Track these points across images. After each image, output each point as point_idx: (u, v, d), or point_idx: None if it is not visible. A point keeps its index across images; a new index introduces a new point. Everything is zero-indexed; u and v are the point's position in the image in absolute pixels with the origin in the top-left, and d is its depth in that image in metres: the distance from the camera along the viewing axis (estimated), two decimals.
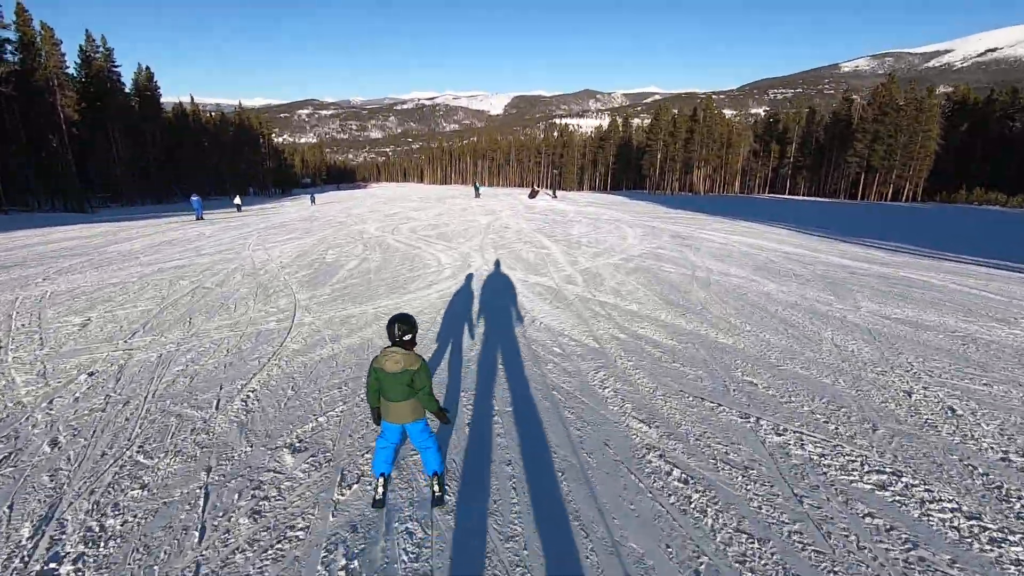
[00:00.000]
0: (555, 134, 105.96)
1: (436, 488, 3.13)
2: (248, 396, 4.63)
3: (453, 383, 4.99)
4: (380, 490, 3.11)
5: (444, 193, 59.27)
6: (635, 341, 6.25)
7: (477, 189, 51.94)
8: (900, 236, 17.93)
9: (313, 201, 42.53)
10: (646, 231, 18.33)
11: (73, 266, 11.65)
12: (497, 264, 11.61)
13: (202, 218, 25.58)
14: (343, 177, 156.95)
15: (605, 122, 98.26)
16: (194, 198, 26.37)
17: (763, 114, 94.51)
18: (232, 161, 59.74)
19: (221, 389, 4.78)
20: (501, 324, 6.99)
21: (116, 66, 41.60)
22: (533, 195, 44.32)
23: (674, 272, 10.74)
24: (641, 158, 79.25)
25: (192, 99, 60.31)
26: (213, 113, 64.56)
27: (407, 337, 3.03)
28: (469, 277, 10.20)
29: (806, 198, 58.66)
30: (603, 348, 5.99)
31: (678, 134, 72.85)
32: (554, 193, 49.77)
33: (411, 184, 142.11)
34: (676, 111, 78.86)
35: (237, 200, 34.76)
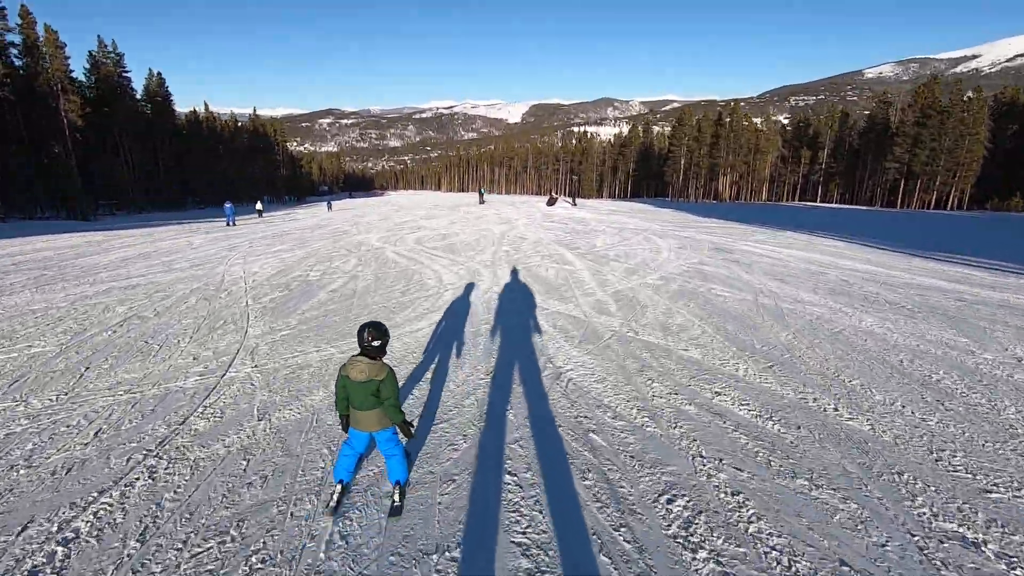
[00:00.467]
0: (574, 141, 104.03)
1: (396, 498, 2.96)
2: (52, 554, 2.60)
3: (428, 522, 2.89)
4: (336, 497, 2.93)
5: (459, 201, 57.44)
6: (714, 421, 4.09)
7: (482, 195, 50.10)
8: (972, 248, 15.26)
9: (330, 207, 41.94)
10: (680, 243, 16.07)
11: (14, 284, 9.93)
12: (510, 285, 9.53)
13: (233, 224, 25.55)
14: (359, 185, 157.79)
15: (624, 130, 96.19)
16: (227, 205, 26.72)
17: (785, 121, 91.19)
18: (241, 167, 58.75)
19: (21, 532, 2.76)
20: (510, 383, 4.88)
21: (126, 71, 40.86)
22: (552, 203, 42.18)
23: (730, 297, 8.53)
24: (663, 165, 76.49)
25: (207, 106, 59.77)
26: (227, 120, 63.91)
27: (376, 343, 2.88)
28: (474, 303, 8.14)
29: (841, 206, 55.28)
30: (668, 436, 3.85)
31: (703, 139, 70.03)
32: (573, 201, 47.56)
33: (428, 192, 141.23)
34: (698, 117, 76.08)
35: (259, 206, 35.04)
